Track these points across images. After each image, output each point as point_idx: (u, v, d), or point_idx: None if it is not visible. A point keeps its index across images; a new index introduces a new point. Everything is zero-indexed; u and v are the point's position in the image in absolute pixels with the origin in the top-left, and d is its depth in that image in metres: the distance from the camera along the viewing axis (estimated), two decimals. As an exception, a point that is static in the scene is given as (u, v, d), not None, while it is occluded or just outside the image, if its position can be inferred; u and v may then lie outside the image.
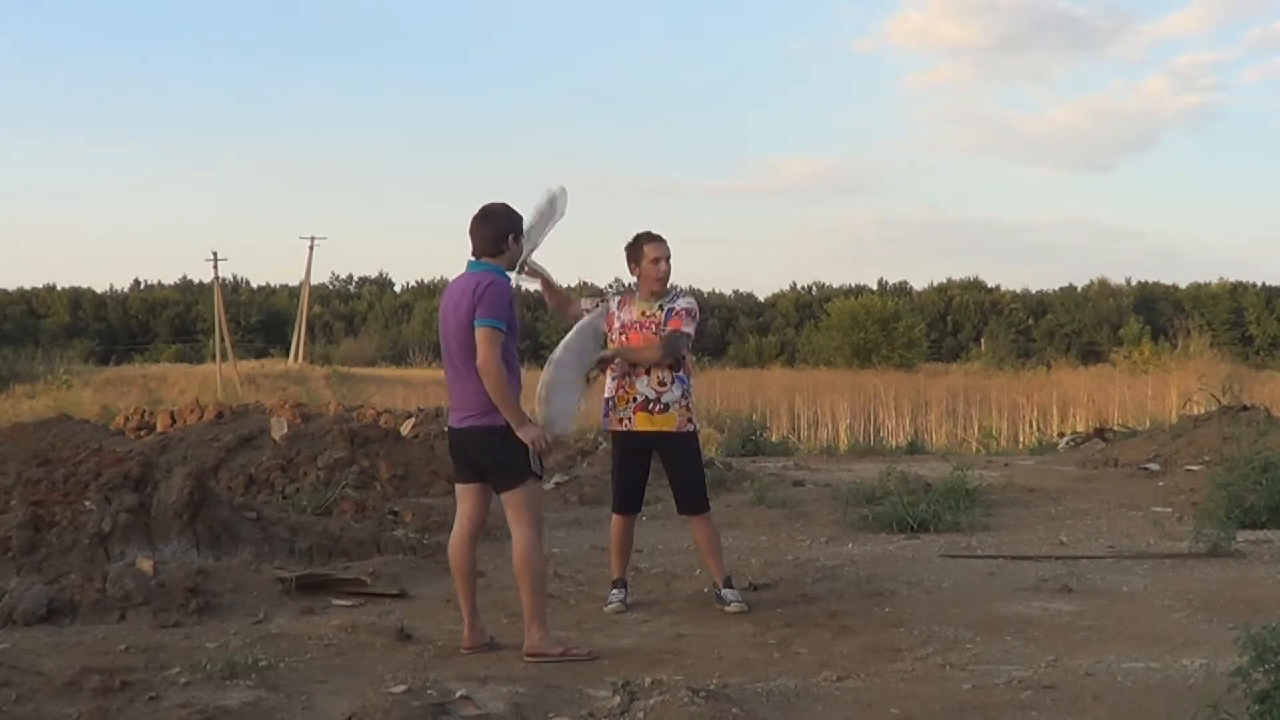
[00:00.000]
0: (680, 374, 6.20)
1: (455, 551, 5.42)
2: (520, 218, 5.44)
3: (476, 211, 5.39)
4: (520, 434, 5.15)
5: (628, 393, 6.18)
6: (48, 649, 5.28)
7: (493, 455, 5.22)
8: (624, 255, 6.29)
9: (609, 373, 6.23)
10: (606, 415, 6.26)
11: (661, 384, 6.16)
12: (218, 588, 6.17)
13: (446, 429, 5.58)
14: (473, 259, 5.35)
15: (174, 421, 14.80)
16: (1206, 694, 3.86)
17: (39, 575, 6.15)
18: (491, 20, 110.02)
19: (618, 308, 6.27)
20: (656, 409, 6.16)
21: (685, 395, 6.22)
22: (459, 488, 5.48)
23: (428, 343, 58.69)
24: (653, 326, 6.18)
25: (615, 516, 6.38)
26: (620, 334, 6.23)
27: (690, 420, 6.25)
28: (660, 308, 6.21)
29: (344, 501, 9.07)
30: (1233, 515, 8.20)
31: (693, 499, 6.29)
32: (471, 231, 5.35)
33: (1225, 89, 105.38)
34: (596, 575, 7.03)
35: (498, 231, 5.32)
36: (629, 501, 6.36)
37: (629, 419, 6.18)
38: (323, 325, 65.93)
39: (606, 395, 6.27)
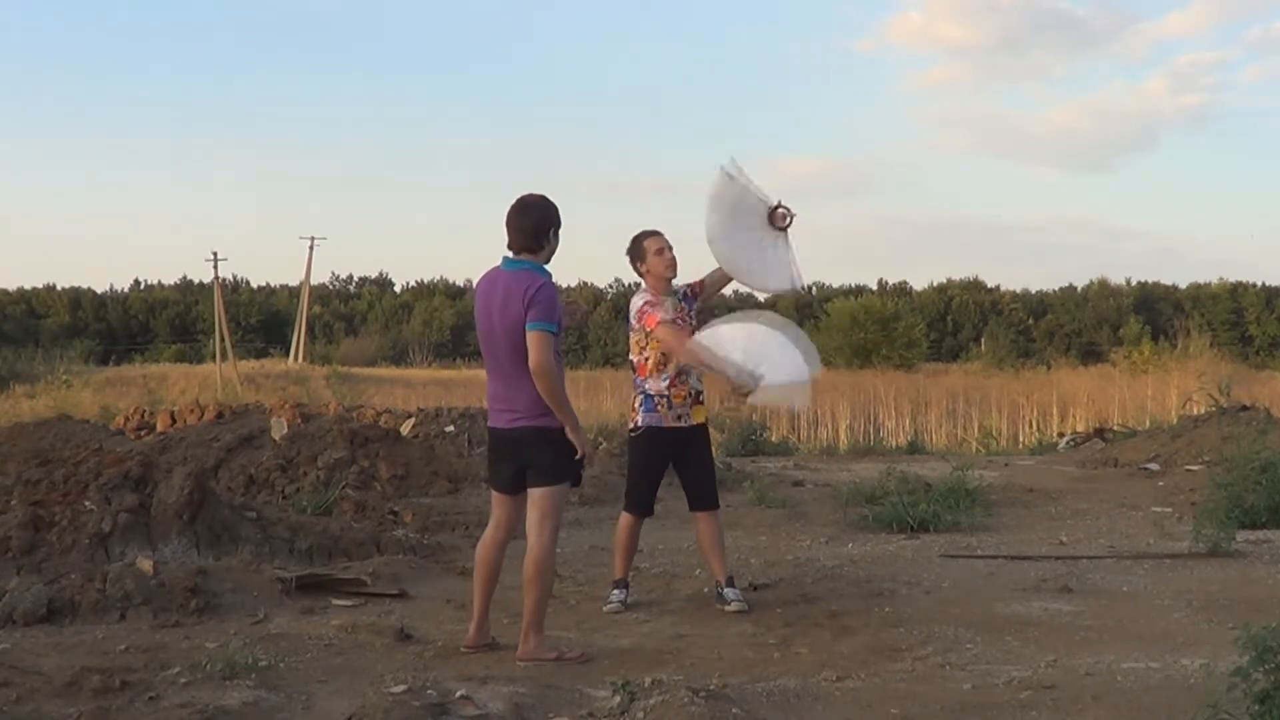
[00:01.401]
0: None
1: (483, 554, 5.38)
2: (557, 209, 5.25)
3: (514, 203, 5.23)
4: (573, 437, 5.14)
5: (682, 389, 6.16)
6: (48, 649, 5.28)
7: (548, 453, 5.17)
8: (627, 259, 6.24)
9: (662, 373, 6.12)
10: (654, 411, 6.13)
11: (699, 374, 6.20)
12: (218, 588, 6.16)
13: (487, 430, 5.45)
14: (510, 255, 5.22)
15: (174, 421, 14.82)
16: (1206, 694, 3.85)
17: (39, 575, 6.14)
18: (491, 21, 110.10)
19: (651, 308, 6.14)
20: (700, 401, 6.23)
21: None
22: (495, 495, 5.41)
23: (428, 343, 58.79)
24: (684, 322, 6.20)
25: (628, 516, 6.30)
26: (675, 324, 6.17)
27: (705, 413, 6.37)
28: (681, 300, 6.24)
29: (344, 501, 9.07)
30: (1233, 515, 8.19)
31: (709, 493, 6.29)
32: (509, 224, 5.19)
33: (1225, 89, 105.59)
34: (596, 575, 7.03)
35: (538, 225, 5.17)
36: (647, 503, 6.33)
37: (687, 415, 6.17)
38: (323, 325, 65.92)
39: (651, 391, 6.14)
